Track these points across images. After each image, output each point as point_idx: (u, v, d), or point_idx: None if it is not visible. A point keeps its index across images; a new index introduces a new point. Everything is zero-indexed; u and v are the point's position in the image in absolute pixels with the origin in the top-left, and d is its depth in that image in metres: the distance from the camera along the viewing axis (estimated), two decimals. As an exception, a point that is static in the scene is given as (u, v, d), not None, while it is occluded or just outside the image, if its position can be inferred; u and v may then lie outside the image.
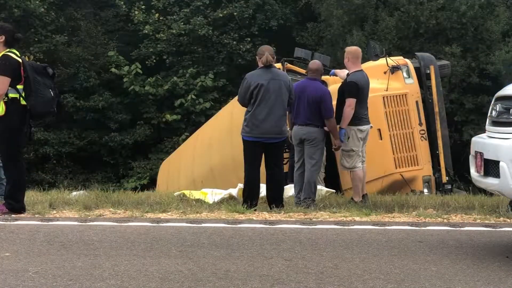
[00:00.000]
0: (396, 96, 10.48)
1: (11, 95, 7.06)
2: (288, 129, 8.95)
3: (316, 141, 8.58)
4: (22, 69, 7.11)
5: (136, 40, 23.48)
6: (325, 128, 8.68)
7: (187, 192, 8.92)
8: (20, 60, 7.16)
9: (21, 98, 7.11)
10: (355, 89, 8.49)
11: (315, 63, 9.08)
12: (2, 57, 7.09)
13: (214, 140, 12.49)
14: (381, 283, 4.57)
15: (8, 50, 7.16)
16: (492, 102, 5.78)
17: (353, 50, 8.86)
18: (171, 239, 5.97)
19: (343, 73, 9.05)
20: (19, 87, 7.11)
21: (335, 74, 9.67)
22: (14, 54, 7.16)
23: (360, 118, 8.60)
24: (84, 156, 22.93)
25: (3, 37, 7.17)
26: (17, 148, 7.26)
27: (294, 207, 8.11)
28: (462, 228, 6.90)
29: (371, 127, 9.06)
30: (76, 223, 6.81)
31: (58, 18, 23.20)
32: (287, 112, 8.76)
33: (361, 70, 8.81)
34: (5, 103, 7.04)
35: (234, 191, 8.65)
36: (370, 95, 9.90)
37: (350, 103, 8.47)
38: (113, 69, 22.75)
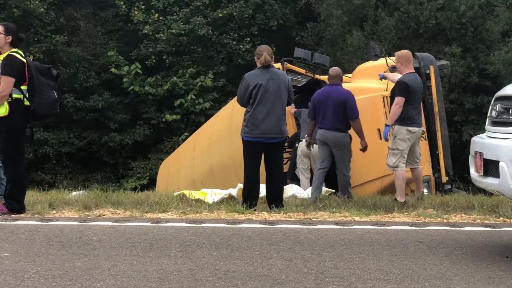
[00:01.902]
0: (395, 96, 10.46)
1: (15, 95, 7.05)
2: (306, 136, 9.73)
3: (343, 146, 9.16)
4: (27, 70, 7.11)
5: (135, 40, 23.50)
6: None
7: (186, 192, 8.91)
8: (24, 60, 7.16)
9: (25, 99, 7.10)
10: (405, 88, 8.52)
11: (334, 70, 9.54)
12: (7, 58, 7.08)
13: (214, 140, 12.50)
14: (380, 283, 4.57)
15: (12, 50, 7.16)
16: (492, 102, 5.78)
17: (404, 53, 8.92)
18: (171, 239, 5.96)
19: (395, 76, 9.15)
20: (23, 87, 7.10)
21: (384, 77, 9.70)
22: (19, 55, 7.16)
23: (411, 119, 8.61)
24: (84, 156, 22.95)
25: (10, 37, 7.17)
26: (18, 149, 7.25)
27: (293, 207, 8.10)
28: (461, 228, 6.90)
29: (423, 131, 9.10)
30: (75, 223, 6.81)
31: (58, 18, 23.22)
32: (310, 120, 9.49)
33: (414, 72, 8.87)
34: (9, 103, 7.03)
35: (233, 191, 8.65)
36: (369, 95, 9.94)
37: (398, 102, 8.49)
38: (112, 69, 22.77)
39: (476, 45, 20.81)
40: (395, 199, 8.57)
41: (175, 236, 6.14)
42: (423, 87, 10.85)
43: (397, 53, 8.98)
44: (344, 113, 9.09)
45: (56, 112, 7.40)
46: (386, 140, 8.80)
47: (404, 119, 8.54)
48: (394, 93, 8.69)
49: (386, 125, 8.70)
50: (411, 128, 8.57)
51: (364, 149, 9.33)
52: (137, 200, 8.36)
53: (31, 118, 7.25)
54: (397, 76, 9.07)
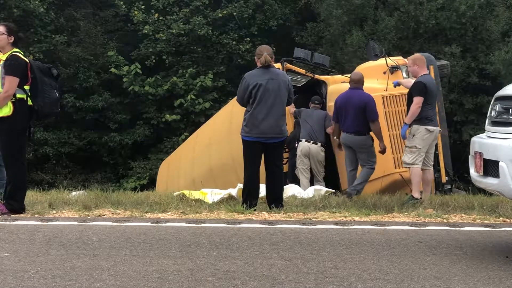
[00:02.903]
0: (395, 96, 10.50)
1: (18, 95, 7.06)
2: (335, 138, 10.09)
3: (366, 147, 9.55)
4: (29, 70, 7.11)
5: (135, 40, 23.49)
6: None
7: (186, 192, 8.91)
8: (27, 60, 7.16)
9: (28, 99, 7.11)
10: (423, 88, 8.70)
11: (357, 74, 9.89)
12: (11, 57, 7.08)
13: (214, 140, 12.49)
14: (380, 283, 4.57)
15: (14, 50, 7.16)
16: (492, 102, 5.78)
17: (419, 56, 9.18)
18: (171, 239, 5.97)
19: (409, 82, 9.41)
20: (26, 87, 7.11)
21: (399, 84, 9.84)
22: (21, 54, 7.17)
23: (429, 118, 8.79)
24: (84, 156, 22.94)
25: (12, 38, 7.18)
26: (20, 148, 7.25)
27: (293, 207, 8.10)
28: (461, 228, 6.90)
29: (440, 131, 9.26)
30: (75, 223, 6.81)
31: (57, 18, 23.20)
32: (334, 122, 9.92)
33: (429, 74, 9.10)
34: (13, 103, 7.04)
35: (233, 191, 8.65)
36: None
37: (417, 101, 8.67)
38: (112, 69, 22.75)
39: (476, 45, 20.79)
40: (411, 196, 8.69)
41: (175, 236, 6.14)
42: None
43: (411, 57, 9.19)
44: (364, 116, 9.46)
45: (58, 112, 7.42)
46: (404, 138, 9.00)
47: (422, 119, 8.72)
48: (411, 95, 8.86)
49: (405, 123, 8.90)
50: (429, 127, 8.75)
51: (383, 151, 9.69)
52: (137, 200, 8.36)
53: (35, 118, 7.25)
54: (410, 81, 9.25)
